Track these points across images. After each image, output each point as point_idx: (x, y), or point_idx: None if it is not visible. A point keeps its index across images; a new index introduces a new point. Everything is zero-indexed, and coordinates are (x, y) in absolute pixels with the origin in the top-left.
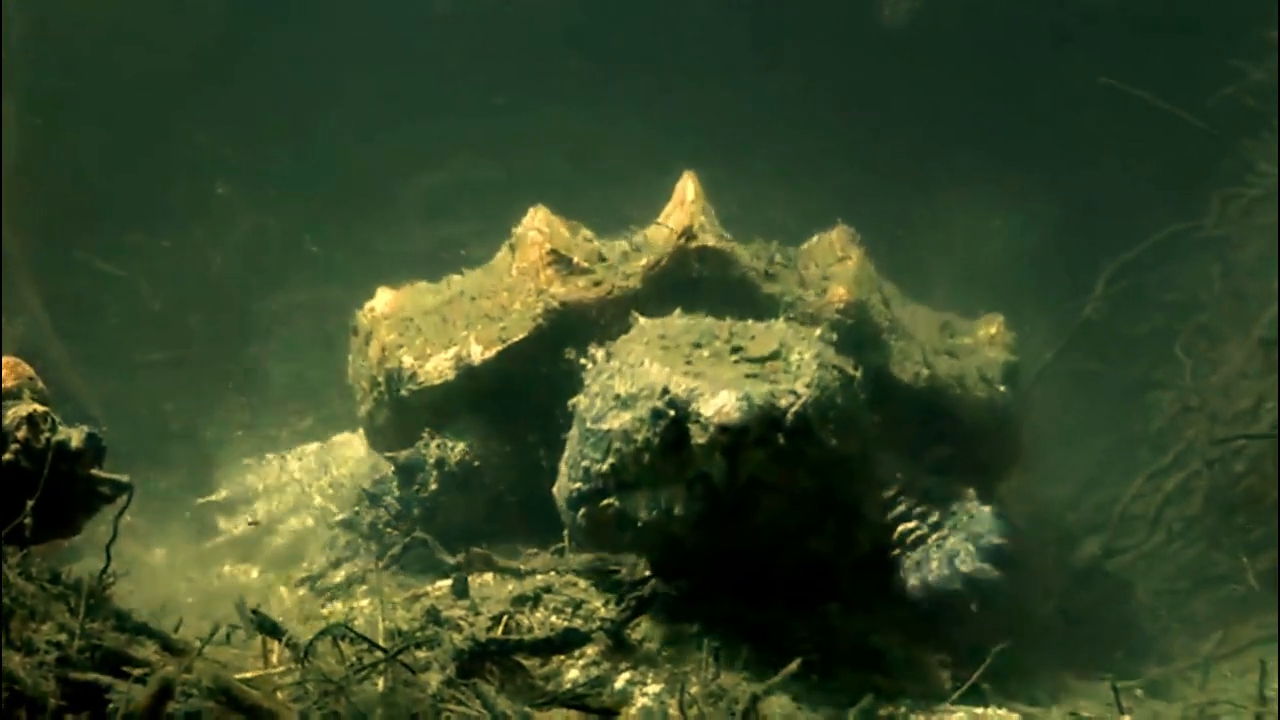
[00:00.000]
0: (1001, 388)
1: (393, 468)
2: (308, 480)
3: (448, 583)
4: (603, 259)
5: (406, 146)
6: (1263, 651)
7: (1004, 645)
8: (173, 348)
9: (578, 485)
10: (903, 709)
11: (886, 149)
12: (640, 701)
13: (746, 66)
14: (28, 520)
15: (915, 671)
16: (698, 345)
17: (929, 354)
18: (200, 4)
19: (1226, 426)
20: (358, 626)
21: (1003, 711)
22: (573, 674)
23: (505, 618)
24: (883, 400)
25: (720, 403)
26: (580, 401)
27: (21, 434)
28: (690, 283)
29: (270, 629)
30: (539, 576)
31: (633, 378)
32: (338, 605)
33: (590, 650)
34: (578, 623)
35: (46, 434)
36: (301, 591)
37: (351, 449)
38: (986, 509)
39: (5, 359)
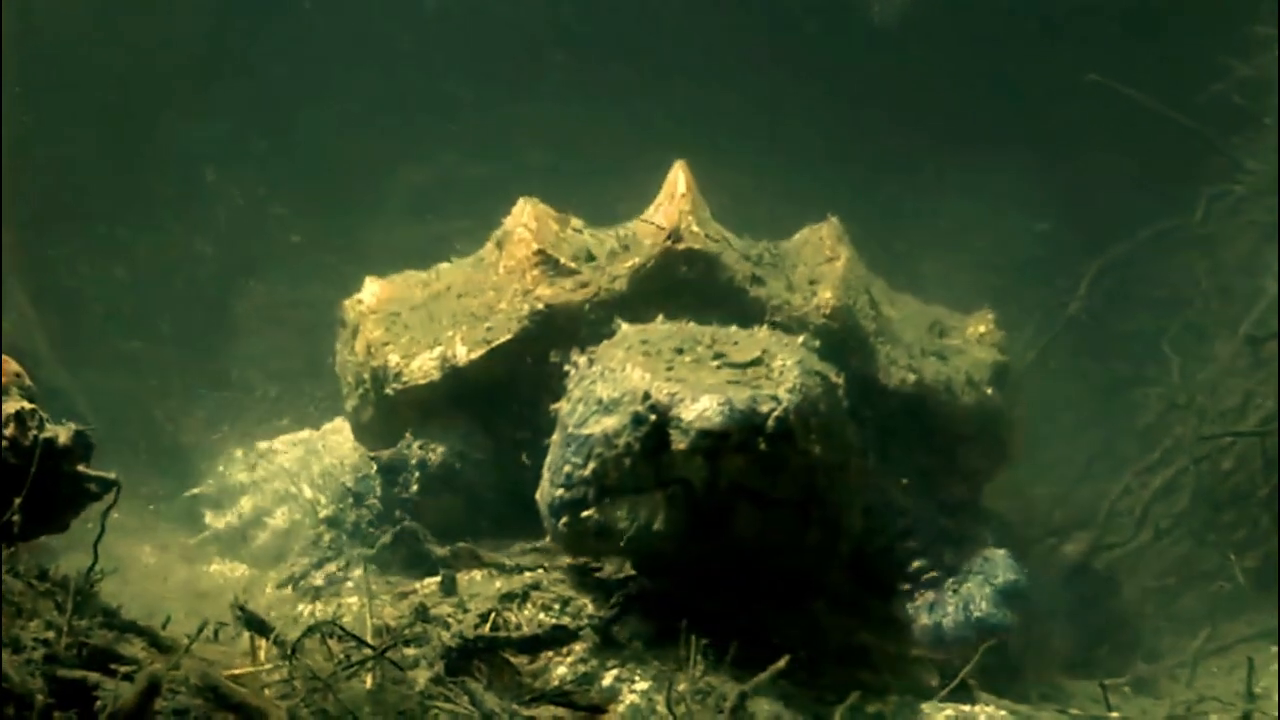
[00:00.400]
0: (989, 390)
1: (375, 466)
2: (297, 469)
3: (435, 580)
4: (591, 257)
5: (393, 142)
6: (1250, 648)
7: (991, 642)
8: (156, 342)
9: (559, 491)
10: (890, 706)
11: (875, 141)
12: (628, 699)
13: (735, 59)
14: (16, 517)
15: (903, 669)
16: (680, 351)
17: (916, 357)
18: (187, 1)
19: (1214, 424)
20: (345, 624)
21: (990, 708)
22: (561, 671)
23: (493, 614)
24: (869, 407)
25: (701, 407)
26: (563, 407)
27: (9, 431)
28: (677, 285)
29: (258, 626)
30: (527, 574)
31: (615, 383)
32: (318, 605)
33: (578, 647)
34: (566, 620)
35: (34, 431)
36: (285, 591)
37: (343, 436)
38: (1001, 552)
39: None
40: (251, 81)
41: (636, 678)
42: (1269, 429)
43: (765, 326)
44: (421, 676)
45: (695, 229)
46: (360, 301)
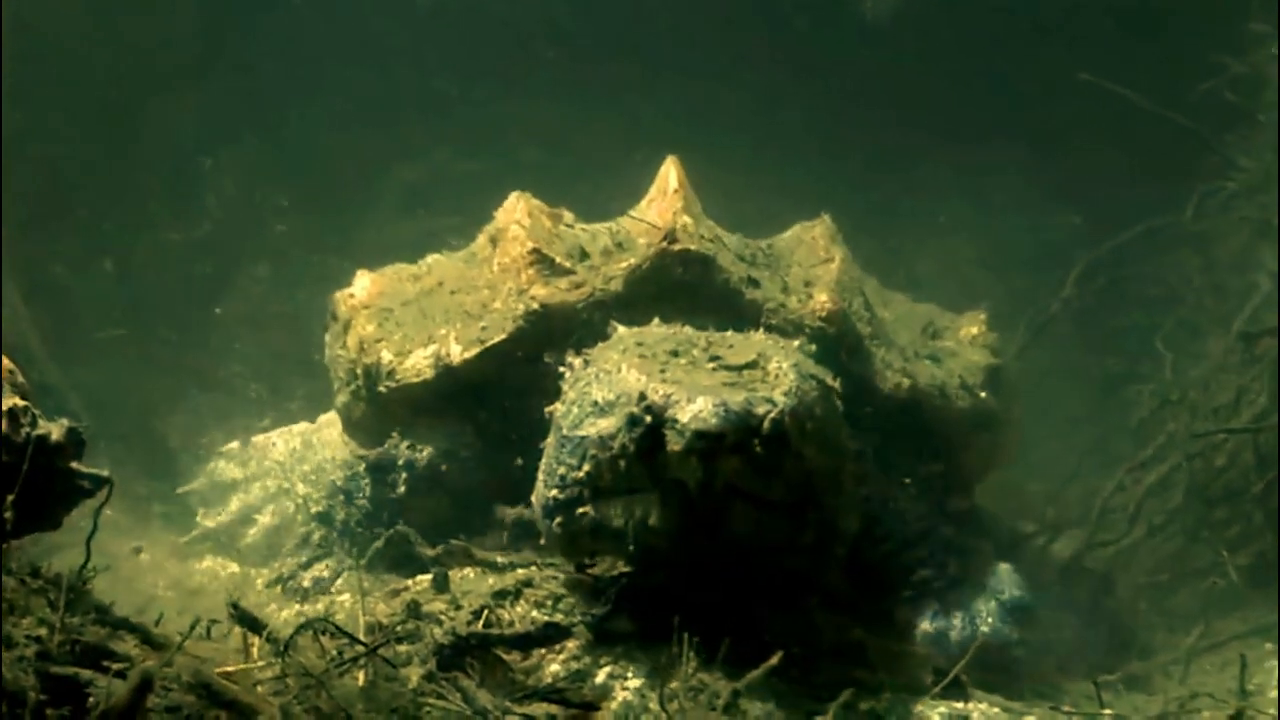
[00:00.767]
0: (983, 394)
1: (364, 465)
2: (290, 464)
3: (428, 577)
4: (584, 255)
5: (385, 139)
6: (1243, 645)
7: (983, 631)
8: (147, 339)
9: (553, 492)
10: (884, 703)
11: (868, 139)
12: (621, 696)
13: (728, 56)
14: (8, 514)
15: (898, 666)
16: (676, 353)
17: (911, 360)
18: None
19: (1207, 420)
20: (338, 621)
21: (984, 706)
22: (553, 668)
23: (486, 612)
24: (864, 410)
25: (697, 408)
26: (557, 409)
27: (2, 427)
28: (672, 286)
29: (250, 623)
30: (520, 571)
31: (610, 385)
32: (304, 607)
33: (571, 644)
34: (559, 617)
35: (27, 428)
36: (273, 591)
37: (337, 429)
38: (1007, 567)
39: None
40: (243, 79)
41: (629, 675)
42: (1262, 425)
43: (761, 330)
44: (414, 674)
45: (690, 229)
46: (351, 295)
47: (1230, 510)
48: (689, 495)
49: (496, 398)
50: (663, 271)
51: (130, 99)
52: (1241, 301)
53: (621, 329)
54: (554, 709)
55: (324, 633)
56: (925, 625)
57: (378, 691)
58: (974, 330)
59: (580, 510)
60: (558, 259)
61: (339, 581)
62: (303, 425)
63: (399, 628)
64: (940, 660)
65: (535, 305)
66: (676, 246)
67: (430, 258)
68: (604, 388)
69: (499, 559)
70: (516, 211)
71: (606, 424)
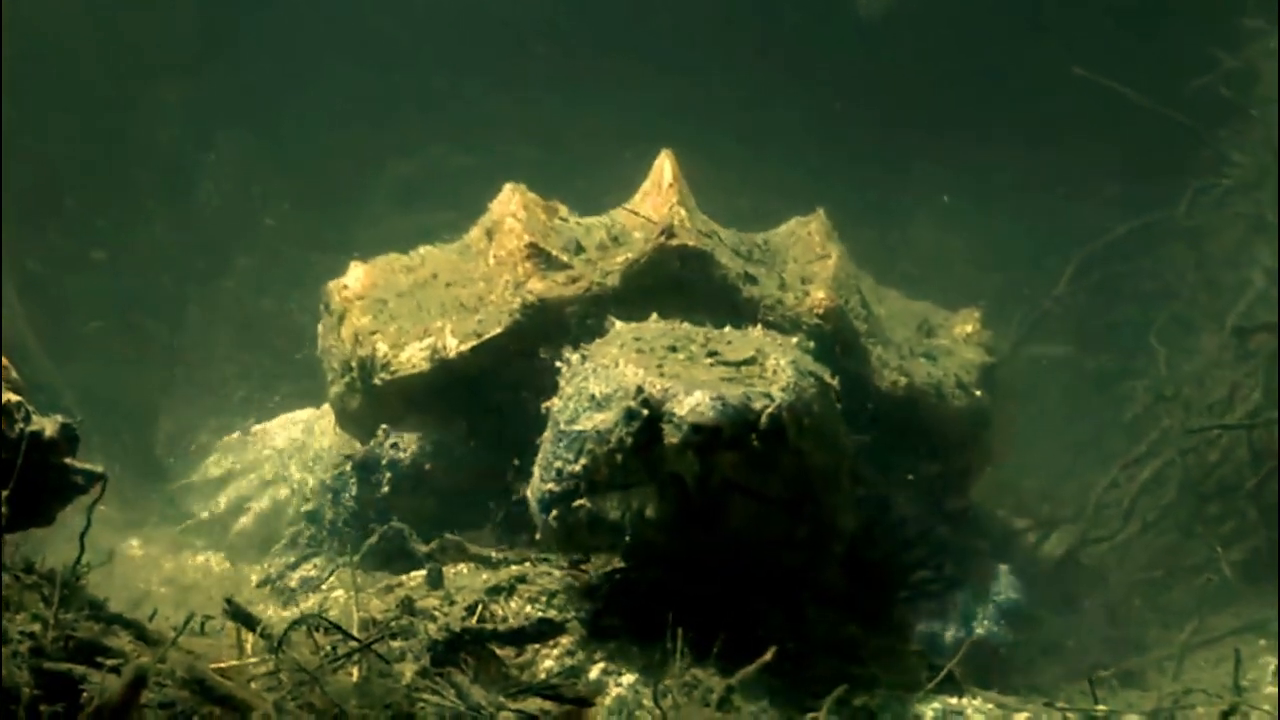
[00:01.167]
0: (978, 393)
1: (350, 464)
2: (290, 451)
3: (421, 573)
4: (580, 249)
5: (380, 135)
6: (1237, 641)
7: (978, 633)
8: (139, 335)
9: (550, 486)
10: (878, 699)
11: (863, 134)
12: (615, 691)
13: (721, 52)
14: (2, 510)
15: (892, 661)
16: (674, 349)
17: (907, 358)
18: None
19: (1201, 416)
20: (331, 617)
21: (977, 702)
22: (547, 664)
23: (480, 607)
24: (860, 408)
25: (694, 402)
26: (554, 404)
27: None
28: (670, 281)
29: (244, 619)
30: (514, 567)
31: (608, 379)
32: (292, 610)
33: (565, 640)
34: (552, 613)
35: (20, 424)
36: (263, 591)
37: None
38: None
39: None
40: (239, 74)
41: (623, 670)
42: (1256, 421)
43: (759, 326)
44: (408, 669)
45: (687, 223)
46: (345, 287)
47: (1224, 506)
48: (685, 489)
49: (491, 393)
50: (660, 266)
51: (125, 94)
52: (1235, 297)
53: (619, 324)
54: (548, 704)
55: (318, 629)
56: (921, 625)
57: (371, 687)
58: (969, 328)
59: (576, 503)
60: (554, 253)
61: (329, 580)
62: (307, 412)
63: (393, 624)
64: (936, 659)
65: (532, 299)
66: (674, 241)
67: (423, 249)
68: (601, 382)
69: (493, 554)
70: (511, 204)
71: (603, 418)
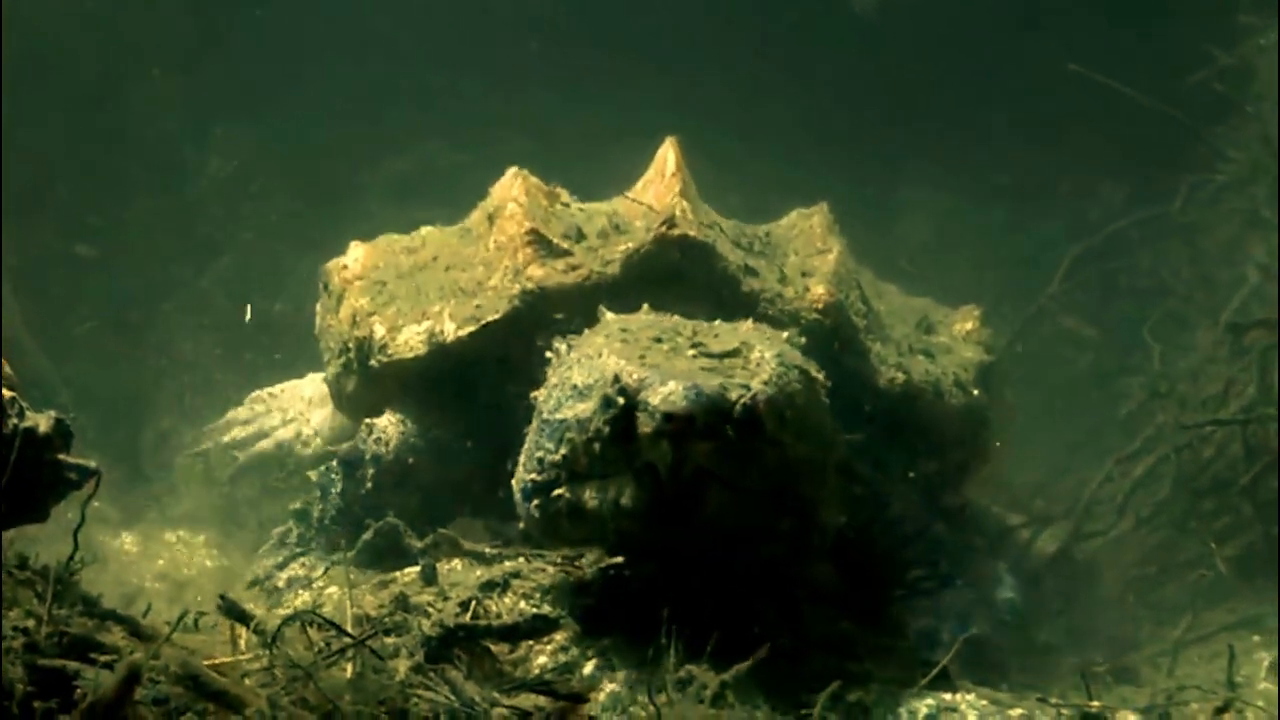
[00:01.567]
0: (976, 392)
1: (335, 460)
2: (318, 400)
3: (415, 569)
4: (581, 236)
5: (373, 131)
6: (1231, 637)
7: (973, 631)
8: (134, 332)
9: (532, 475)
10: (872, 695)
11: (860, 131)
12: (608, 687)
13: (718, 47)
14: None
15: (886, 657)
16: (659, 340)
17: (905, 355)
18: None
19: (1195, 412)
20: (325, 613)
21: (971, 697)
22: (541, 660)
23: (474, 603)
24: (859, 404)
25: (667, 390)
26: (540, 394)
27: None
28: (670, 272)
29: (238, 615)
30: (507, 562)
31: (590, 369)
32: (279, 611)
33: (559, 636)
34: (546, 609)
35: (14, 420)
36: (252, 592)
37: None
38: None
39: None
40: (233, 70)
41: (617, 667)
42: (1250, 417)
43: (750, 320)
44: (402, 665)
45: (689, 214)
46: (345, 267)
47: (1218, 502)
48: (660, 478)
49: (487, 378)
50: (661, 256)
51: (118, 89)
52: (1230, 293)
53: (609, 315)
54: (542, 700)
55: (311, 625)
56: (917, 623)
57: (365, 683)
58: (968, 325)
59: (556, 492)
60: (555, 239)
61: (320, 577)
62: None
63: (387, 620)
64: (931, 655)
65: (532, 285)
66: (676, 231)
67: (423, 230)
68: (584, 372)
69: (487, 550)
70: (514, 189)
71: (584, 407)
